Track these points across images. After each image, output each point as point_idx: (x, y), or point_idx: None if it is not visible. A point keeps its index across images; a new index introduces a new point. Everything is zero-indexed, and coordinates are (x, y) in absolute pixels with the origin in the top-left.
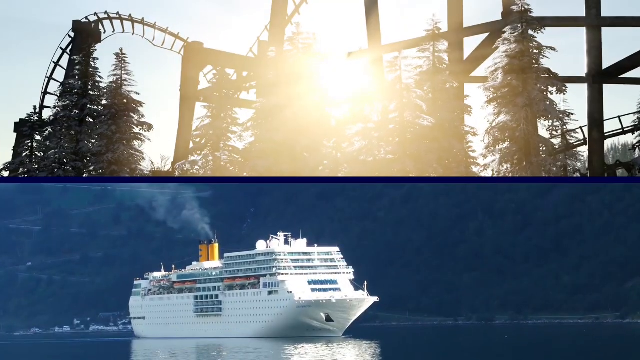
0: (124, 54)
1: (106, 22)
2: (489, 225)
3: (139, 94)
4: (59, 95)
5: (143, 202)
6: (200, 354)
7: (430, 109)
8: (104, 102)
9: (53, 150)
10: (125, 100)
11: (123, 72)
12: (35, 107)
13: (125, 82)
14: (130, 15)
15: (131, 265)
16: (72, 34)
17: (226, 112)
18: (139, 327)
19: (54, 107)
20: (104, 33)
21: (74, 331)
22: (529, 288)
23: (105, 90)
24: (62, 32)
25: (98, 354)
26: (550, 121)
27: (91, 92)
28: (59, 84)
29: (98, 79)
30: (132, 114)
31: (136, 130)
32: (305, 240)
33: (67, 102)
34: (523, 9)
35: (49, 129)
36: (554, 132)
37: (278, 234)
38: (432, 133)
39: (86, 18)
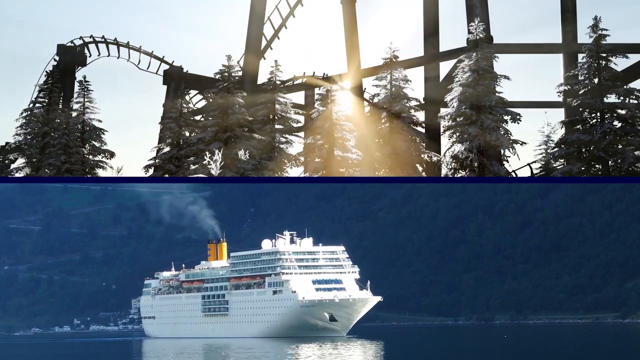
0: (87, 82)
1: (92, 46)
2: (489, 225)
3: (101, 122)
4: (20, 123)
5: (143, 202)
6: (205, 354)
7: (385, 139)
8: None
9: None
10: (87, 128)
11: (86, 100)
12: None
13: (87, 110)
14: (115, 39)
15: (131, 265)
16: (57, 58)
17: (185, 139)
18: (149, 326)
19: (17, 134)
20: (90, 57)
21: (74, 331)
22: (529, 288)
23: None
24: (48, 56)
25: (98, 354)
26: (503, 150)
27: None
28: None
29: (61, 107)
30: (94, 142)
31: (99, 157)
32: (311, 239)
33: (29, 129)
34: (478, 37)
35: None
36: (506, 161)
37: (284, 233)
38: (386, 162)
39: (71, 42)
